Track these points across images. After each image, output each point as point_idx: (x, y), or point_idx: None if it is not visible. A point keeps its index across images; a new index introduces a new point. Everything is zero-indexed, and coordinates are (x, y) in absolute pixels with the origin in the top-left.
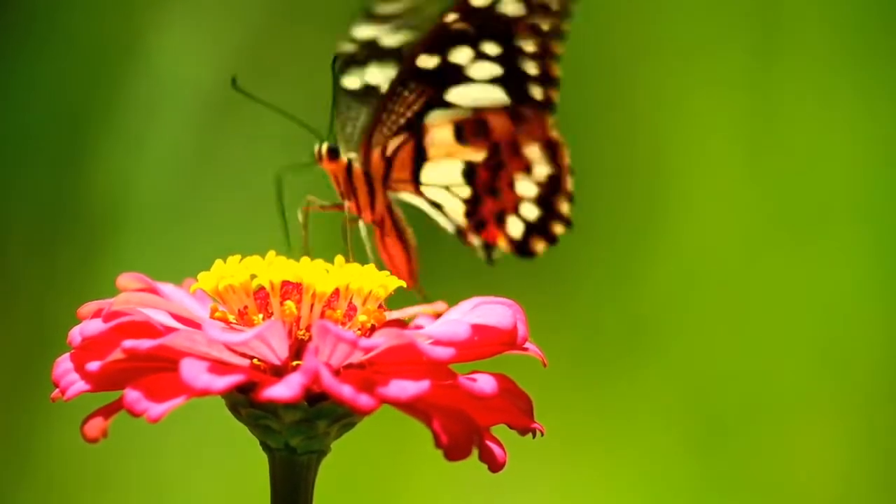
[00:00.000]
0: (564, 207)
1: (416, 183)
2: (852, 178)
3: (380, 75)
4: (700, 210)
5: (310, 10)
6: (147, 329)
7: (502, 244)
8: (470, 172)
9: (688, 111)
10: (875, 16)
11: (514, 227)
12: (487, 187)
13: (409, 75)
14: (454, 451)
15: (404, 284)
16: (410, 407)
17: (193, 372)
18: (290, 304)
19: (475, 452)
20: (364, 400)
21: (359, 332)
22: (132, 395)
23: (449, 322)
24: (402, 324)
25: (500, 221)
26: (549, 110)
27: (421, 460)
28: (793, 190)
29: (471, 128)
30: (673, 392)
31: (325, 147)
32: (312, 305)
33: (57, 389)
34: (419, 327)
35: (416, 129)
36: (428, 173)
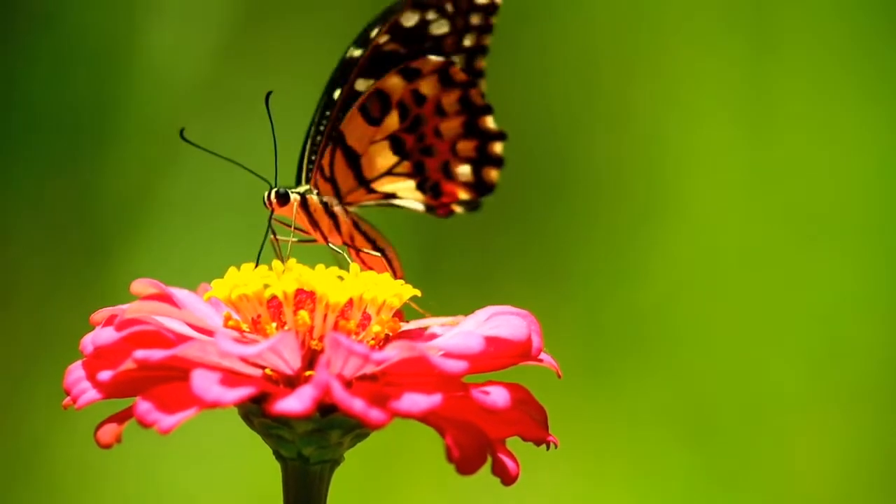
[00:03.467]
0: (489, 122)
1: (364, 185)
2: (853, 177)
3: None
4: (699, 210)
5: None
6: (159, 339)
7: (463, 194)
8: (396, 145)
9: (687, 110)
10: (876, 9)
11: (462, 170)
12: (419, 149)
13: (326, 93)
14: (466, 466)
15: (419, 294)
16: (422, 419)
17: (205, 384)
18: (303, 313)
19: (487, 466)
20: (375, 414)
21: (372, 342)
22: (143, 405)
23: (462, 334)
24: (416, 334)
25: (448, 174)
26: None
27: (433, 468)
28: (793, 189)
29: (373, 104)
30: (672, 392)
31: (273, 194)
32: (326, 315)
33: (68, 397)
34: (434, 336)
35: (336, 137)
36: (367, 170)
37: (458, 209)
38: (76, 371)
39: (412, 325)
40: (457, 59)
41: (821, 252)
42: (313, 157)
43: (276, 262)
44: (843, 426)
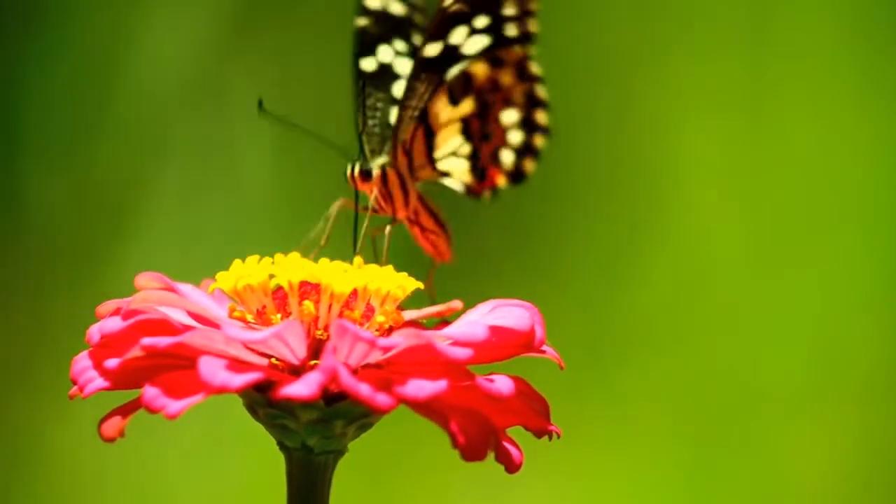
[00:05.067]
0: (542, 118)
1: (431, 163)
2: (853, 177)
3: (390, 52)
4: (699, 210)
5: None
6: (165, 327)
7: (501, 181)
8: (466, 128)
9: (688, 112)
10: (875, 9)
11: (507, 159)
12: (480, 135)
13: (419, 68)
14: (471, 452)
15: (422, 286)
16: (427, 407)
17: (211, 369)
18: (308, 303)
19: (491, 453)
20: (382, 399)
21: (376, 332)
22: (150, 391)
23: (467, 323)
24: (419, 325)
25: (496, 161)
26: (529, 42)
27: (436, 461)
28: (792, 190)
29: (458, 86)
30: (670, 391)
31: (357, 170)
32: (331, 306)
33: (75, 387)
34: (437, 328)
35: (423, 115)
36: (439, 149)
37: (487, 193)
38: (83, 360)
39: (413, 314)
40: (511, 5)
41: (820, 252)
42: (400, 126)
43: (278, 255)
44: (842, 425)
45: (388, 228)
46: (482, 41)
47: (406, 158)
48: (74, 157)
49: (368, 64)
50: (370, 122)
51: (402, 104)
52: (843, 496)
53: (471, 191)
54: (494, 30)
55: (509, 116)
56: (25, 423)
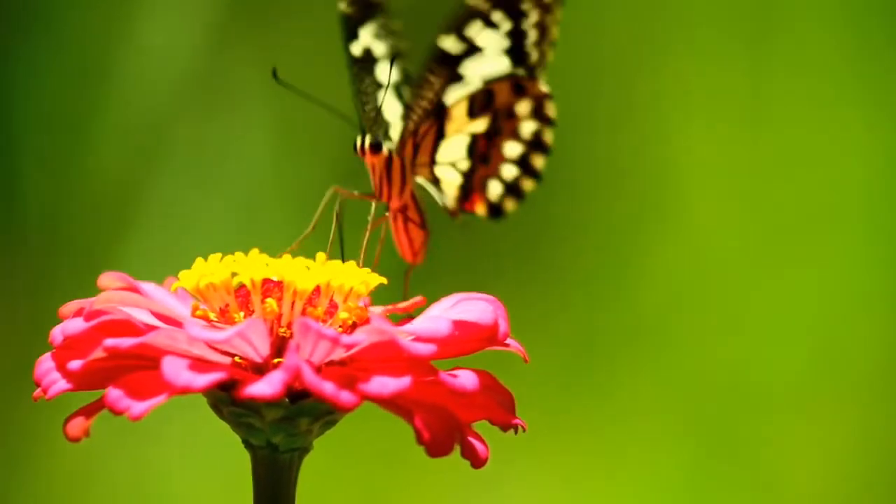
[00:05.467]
0: (539, 163)
1: (432, 164)
2: (853, 177)
3: (368, 35)
4: (698, 211)
5: None
6: (128, 327)
7: (480, 209)
8: (473, 144)
9: (687, 112)
10: (874, 9)
11: (494, 190)
12: (482, 156)
13: (433, 59)
14: (436, 448)
15: (385, 282)
16: (392, 403)
17: (174, 370)
18: (270, 301)
19: (457, 449)
20: (345, 396)
21: (340, 329)
22: (114, 393)
23: (430, 318)
24: (383, 320)
25: (483, 187)
26: (543, 68)
27: (404, 457)
28: (792, 190)
29: (480, 100)
30: (670, 392)
31: (368, 141)
32: (293, 303)
33: (39, 389)
34: (402, 323)
35: (439, 112)
36: (442, 152)
37: (460, 217)
38: (46, 362)
39: (375, 311)
40: (534, 10)
41: (820, 252)
42: (411, 114)
43: (238, 253)
44: (841, 426)
45: (384, 231)
46: (501, 42)
47: (412, 150)
48: (70, 156)
49: (356, 48)
50: (367, 107)
51: (415, 92)
52: (843, 497)
53: (450, 210)
54: (516, 36)
55: (512, 149)
56: (24, 423)
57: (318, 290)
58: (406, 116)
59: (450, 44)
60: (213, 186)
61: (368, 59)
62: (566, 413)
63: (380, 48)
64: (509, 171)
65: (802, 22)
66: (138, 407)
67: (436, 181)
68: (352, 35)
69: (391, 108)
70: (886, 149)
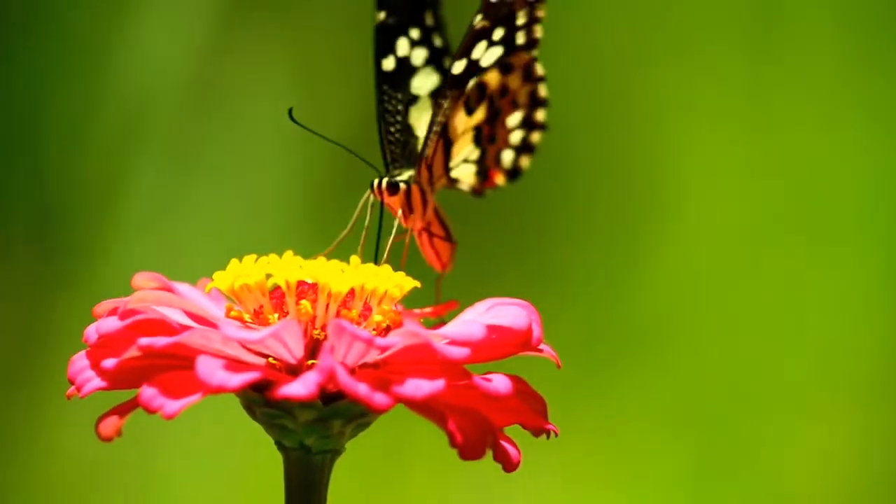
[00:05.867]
0: (541, 116)
1: (447, 173)
2: (853, 176)
3: (406, 45)
4: (699, 212)
5: None
6: (163, 327)
7: (500, 180)
8: (478, 135)
9: (688, 113)
10: (873, 12)
11: (507, 158)
12: (489, 139)
13: (445, 86)
14: (469, 451)
15: (419, 285)
16: (425, 406)
17: (209, 369)
18: (305, 303)
19: (489, 452)
20: (379, 398)
21: (374, 331)
22: (148, 392)
23: (464, 322)
24: (417, 324)
25: (498, 161)
26: (534, 48)
27: (433, 460)
28: (792, 191)
29: (474, 96)
30: (672, 391)
31: (385, 183)
32: (328, 305)
33: (73, 387)
34: (435, 328)
35: (443, 128)
36: (454, 158)
37: (501, 183)
38: (80, 360)
39: (408, 314)
40: (522, 14)
41: (820, 252)
42: (427, 142)
43: (273, 255)
44: (841, 426)
45: (408, 236)
46: (496, 52)
47: (428, 172)
48: (66, 154)
49: (388, 63)
50: (391, 129)
51: (431, 121)
52: (843, 497)
53: (475, 192)
54: (507, 40)
55: (514, 119)
56: (24, 422)
57: (352, 292)
58: (424, 145)
59: (459, 68)
60: (206, 186)
61: (402, 71)
62: (566, 413)
63: (419, 57)
64: (516, 136)
65: (803, 22)
66: (172, 406)
67: (454, 182)
68: (387, 49)
69: (424, 120)
70: (885, 151)
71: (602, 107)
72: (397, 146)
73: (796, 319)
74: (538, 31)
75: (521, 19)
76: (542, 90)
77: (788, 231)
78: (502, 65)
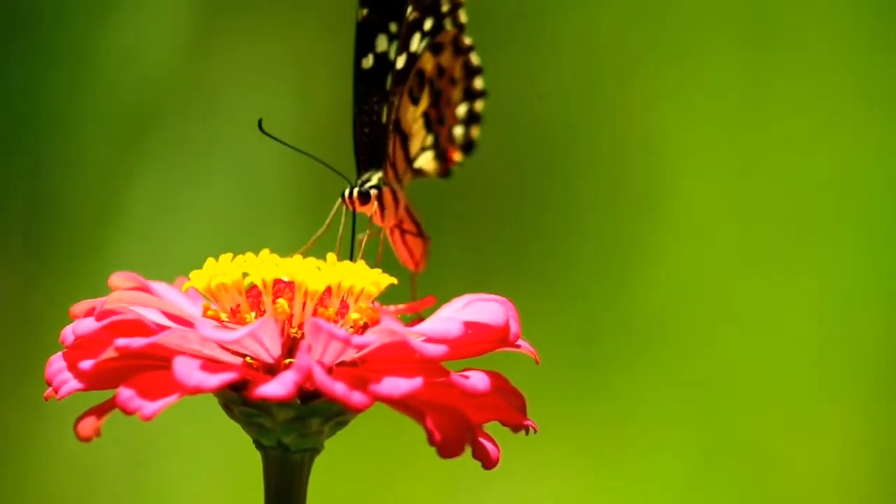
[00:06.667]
0: (479, 83)
1: (410, 166)
2: (851, 175)
3: (385, 40)
4: (697, 210)
5: None
6: (139, 327)
7: (457, 156)
8: (427, 121)
9: (684, 113)
10: (872, 12)
11: (458, 132)
12: (438, 120)
13: (393, 83)
14: (447, 449)
15: (395, 282)
16: (403, 404)
17: (186, 370)
18: (282, 301)
19: (468, 450)
20: (357, 397)
21: (351, 329)
22: (125, 393)
23: (441, 319)
24: (395, 321)
25: (451, 140)
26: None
27: (415, 457)
28: (790, 190)
29: (416, 85)
30: (670, 391)
31: (356, 193)
32: (305, 303)
33: (50, 388)
34: (413, 324)
35: (396, 125)
36: (412, 150)
37: (459, 159)
38: (57, 362)
39: (385, 311)
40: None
41: (818, 251)
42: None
43: (250, 254)
44: (841, 424)
45: (382, 234)
46: (426, 40)
47: (393, 171)
48: (57, 154)
49: (367, 61)
50: (365, 130)
51: (387, 123)
52: (843, 496)
53: (440, 175)
54: (437, 28)
55: (455, 94)
56: (15, 423)
57: (329, 290)
58: (384, 148)
59: (401, 62)
60: (196, 186)
61: (380, 68)
62: (565, 412)
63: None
64: (461, 110)
65: (801, 21)
66: (150, 407)
67: (418, 173)
68: (367, 48)
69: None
70: (885, 148)
71: (599, 107)
72: (370, 148)
73: (795, 316)
74: (463, 16)
75: (444, 6)
76: (474, 58)
77: (786, 230)
78: (432, 46)
